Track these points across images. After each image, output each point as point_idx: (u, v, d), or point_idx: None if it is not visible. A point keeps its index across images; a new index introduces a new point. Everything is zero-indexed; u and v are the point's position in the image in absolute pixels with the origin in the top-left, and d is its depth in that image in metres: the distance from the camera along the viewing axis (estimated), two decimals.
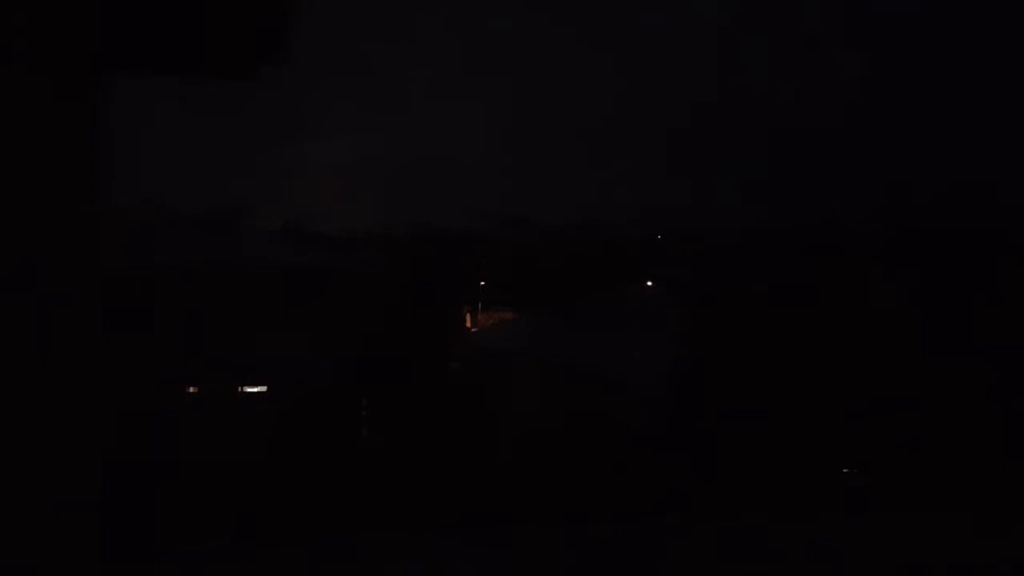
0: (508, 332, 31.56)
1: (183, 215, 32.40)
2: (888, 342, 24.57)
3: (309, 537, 4.68)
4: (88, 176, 2.56)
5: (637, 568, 4.48)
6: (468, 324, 33.35)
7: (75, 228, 2.48)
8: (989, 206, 31.40)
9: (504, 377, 25.61)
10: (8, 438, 2.11)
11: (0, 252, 2.06)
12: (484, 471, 20.54)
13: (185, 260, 26.75)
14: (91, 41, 2.53)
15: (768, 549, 4.73)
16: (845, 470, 22.48)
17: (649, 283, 34.78)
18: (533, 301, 33.69)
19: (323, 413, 22.32)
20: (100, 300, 2.64)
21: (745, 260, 32.60)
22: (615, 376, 25.35)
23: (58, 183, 2.36)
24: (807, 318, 25.44)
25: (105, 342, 2.68)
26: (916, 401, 22.68)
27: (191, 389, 23.99)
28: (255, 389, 24.18)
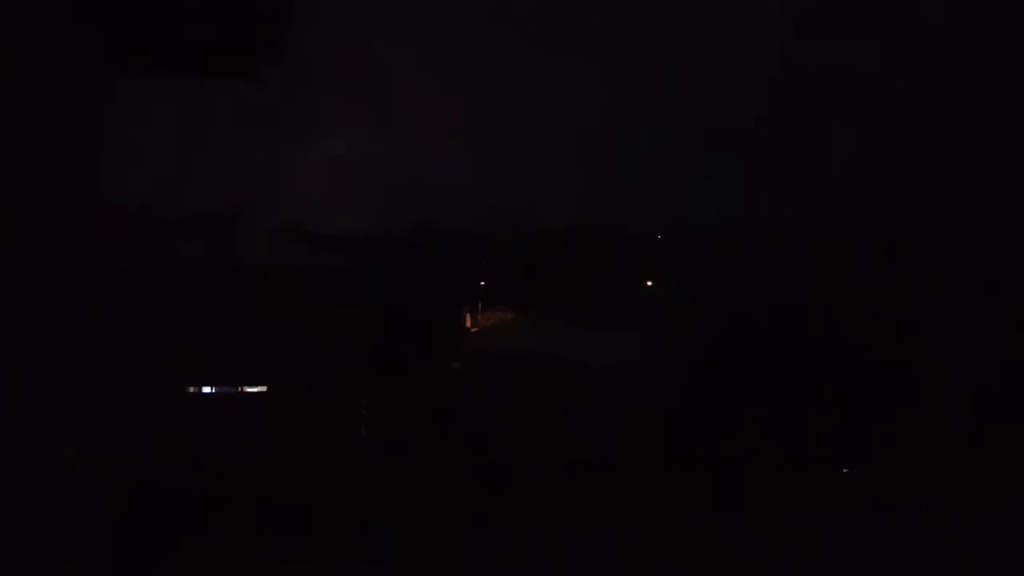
0: (508, 332, 31.54)
1: (183, 215, 32.34)
2: (888, 342, 24.54)
3: (308, 535, 4.68)
4: (90, 175, 2.56)
5: (636, 566, 4.48)
6: (468, 324, 33.30)
7: (77, 227, 2.48)
8: (986, 206, 31.41)
9: (504, 377, 25.59)
10: (9, 438, 2.11)
11: (1, 251, 2.06)
12: (484, 470, 20.52)
13: (185, 260, 26.76)
14: (93, 41, 2.54)
15: (767, 548, 4.73)
16: (845, 470, 22.47)
17: (649, 283, 34.75)
18: (533, 301, 33.65)
19: (322, 413, 22.32)
20: (101, 299, 2.65)
21: (745, 260, 32.59)
22: (615, 375, 25.33)
23: (60, 182, 2.37)
24: (807, 318, 25.42)
25: (105, 342, 2.68)
26: (915, 400, 22.66)
27: (191, 389, 23.98)
28: (255, 389, 24.17)
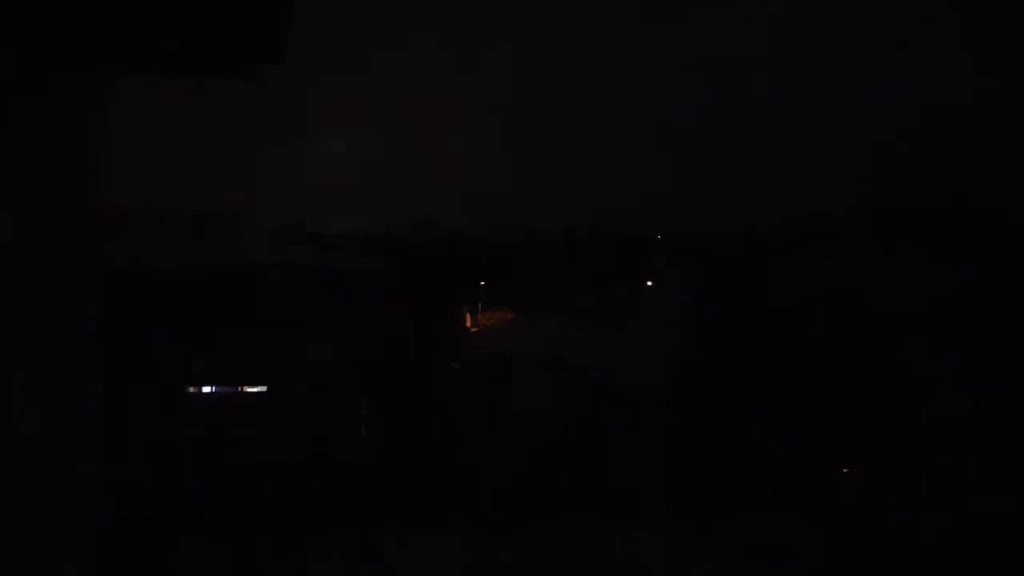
0: (508, 332, 31.55)
1: (183, 215, 32.35)
2: (887, 342, 24.54)
3: (308, 535, 4.69)
4: (90, 175, 2.56)
5: (636, 566, 4.48)
6: (468, 324, 33.31)
7: (77, 227, 2.48)
8: (986, 206, 31.42)
9: (504, 377, 25.61)
10: (9, 438, 2.11)
11: (1, 251, 2.06)
12: (484, 470, 20.52)
13: (185, 260, 26.76)
14: (93, 41, 2.54)
15: (767, 548, 4.73)
16: (845, 470, 22.48)
17: (649, 283, 34.76)
18: (533, 301, 33.67)
19: (322, 413, 22.32)
20: (101, 299, 2.65)
21: (745, 260, 32.59)
22: (615, 375, 25.33)
23: (60, 182, 2.36)
24: (807, 318, 25.42)
25: (105, 342, 2.68)
26: (915, 400, 22.66)
27: (191, 389, 23.98)
28: (255, 389, 24.17)
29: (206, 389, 24.18)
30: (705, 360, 24.46)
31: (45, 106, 2.26)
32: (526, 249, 38.73)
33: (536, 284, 34.96)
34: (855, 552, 4.67)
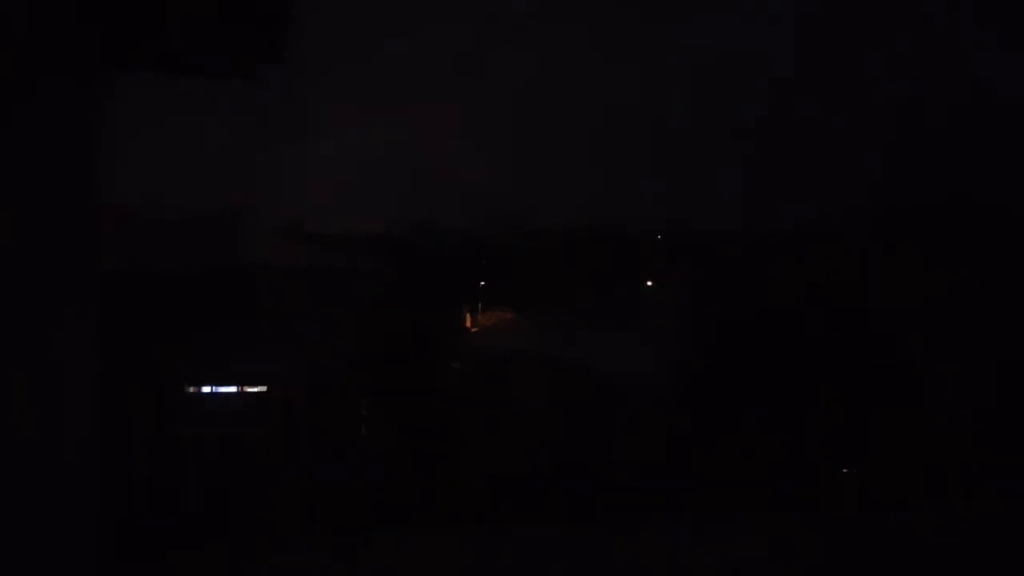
0: (508, 332, 31.55)
1: (183, 215, 32.38)
2: (887, 342, 24.53)
3: (308, 536, 4.70)
4: (90, 175, 2.56)
5: (636, 566, 4.48)
6: (468, 324, 33.32)
7: (77, 227, 2.48)
8: (986, 206, 31.39)
9: (504, 377, 25.60)
10: (9, 438, 2.11)
11: (1, 251, 2.06)
12: (484, 470, 20.52)
13: (185, 260, 26.76)
14: (93, 41, 2.53)
15: (767, 548, 4.73)
16: (845, 470, 22.46)
17: (649, 283, 34.78)
18: (533, 301, 33.69)
19: (322, 413, 22.31)
20: (101, 299, 2.64)
21: (745, 260, 32.58)
22: (615, 375, 25.33)
23: (60, 182, 2.36)
24: (807, 318, 25.41)
25: (105, 342, 2.68)
26: (915, 400, 22.65)
27: (191, 389, 23.97)
28: (255, 389, 24.16)
29: (206, 389, 24.17)
30: (705, 360, 24.44)
31: (45, 106, 2.25)
32: (526, 249, 38.74)
33: (536, 284, 34.96)
34: (855, 552, 4.67)
